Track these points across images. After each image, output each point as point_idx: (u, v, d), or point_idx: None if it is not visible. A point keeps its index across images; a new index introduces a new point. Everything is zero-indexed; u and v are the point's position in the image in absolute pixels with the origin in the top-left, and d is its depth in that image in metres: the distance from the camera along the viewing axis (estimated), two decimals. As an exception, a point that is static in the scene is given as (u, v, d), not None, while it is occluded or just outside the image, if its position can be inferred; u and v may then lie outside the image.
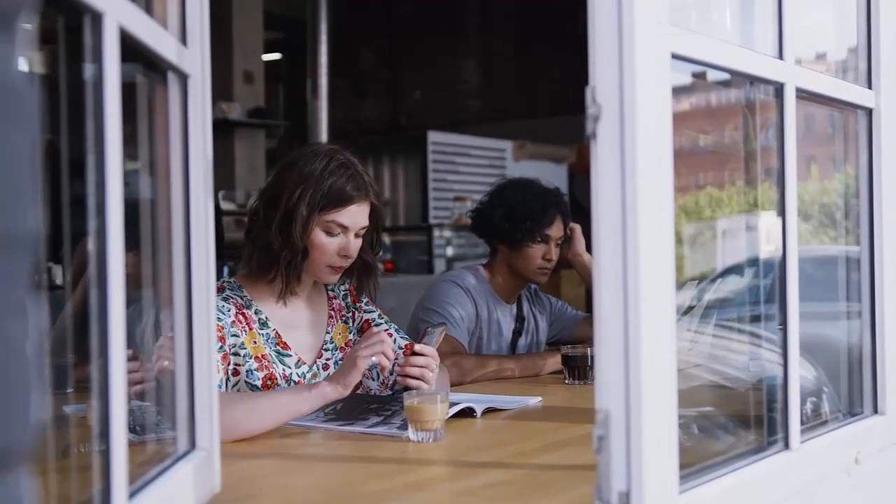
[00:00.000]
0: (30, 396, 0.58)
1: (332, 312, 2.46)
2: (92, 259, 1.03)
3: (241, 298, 2.29)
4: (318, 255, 2.28)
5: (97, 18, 1.02)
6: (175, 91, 1.38)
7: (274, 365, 2.27)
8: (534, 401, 2.43)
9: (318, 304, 2.45)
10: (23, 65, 0.60)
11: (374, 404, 2.20)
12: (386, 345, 2.08)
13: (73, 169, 1.07)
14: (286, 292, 2.31)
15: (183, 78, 1.38)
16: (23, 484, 0.59)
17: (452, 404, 2.10)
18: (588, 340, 3.04)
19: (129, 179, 1.13)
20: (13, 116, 0.57)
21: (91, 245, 1.04)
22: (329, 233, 2.27)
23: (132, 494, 1.12)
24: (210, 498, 1.44)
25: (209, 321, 1.44)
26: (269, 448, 1.93)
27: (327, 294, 2.48)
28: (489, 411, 2.25)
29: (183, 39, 1.38)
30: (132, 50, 1.14)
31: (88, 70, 1.03)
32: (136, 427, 1.36)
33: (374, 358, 2.05)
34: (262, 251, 2.28)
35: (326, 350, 2.41)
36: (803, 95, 1.63)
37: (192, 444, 1.41)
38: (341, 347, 2.43)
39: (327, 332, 2.43)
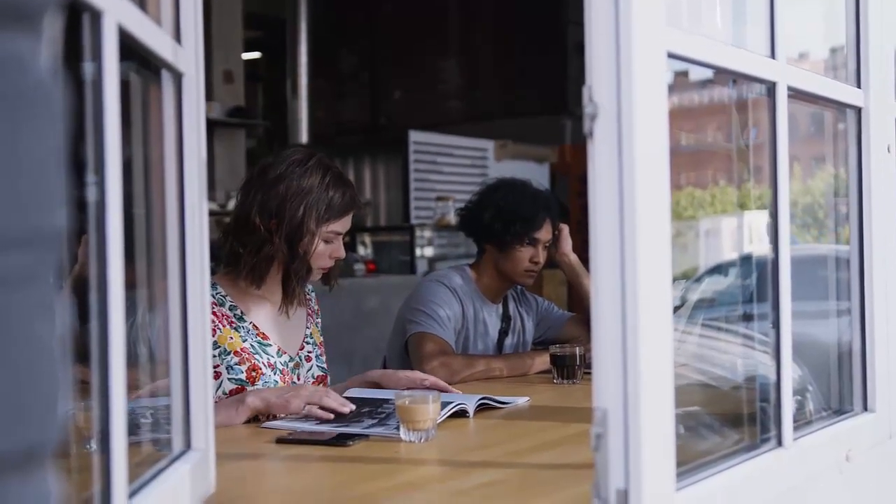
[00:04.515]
0: (57, 395, 0.58)
1: (310, 311, 2.56)
2: (91, 260, 1.02)
3: (214, 296, 2.33)
4: (314, 263, 2.38)
5: (96, 16, 1.01)
6: (169, 90, 1.37)
7: (256, 355, 2.33)
8: (522, 400, 2.43)
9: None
10: (49, 62, 0.59)
11: (365, 407, 2.20)
12: (324, 400, 2.13)
13: (71, 168, 1.06)
14: (290, 302, 2.42)
15: (178, 77, 1.37)
16: (50, 480, 0.59)
17: (445, 404, 2.10)
18: (574, 340, 3.05)
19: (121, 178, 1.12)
20: (41, 114, 0.57)
21: (89, 245, 1.04)
22: (327, 241, 2.38)
23: (131, 495, 1.11)
24: (205, 498, 1.43)
25: (204, 321, 1.43)
26: (263, 449, 1.92)
27: (304, 293, 2.57)
28: (482, 409, 2.27)
29: (177, 38, 1.37)
30: (128, 48, 1.14)
31: (87, 68, 1.02)
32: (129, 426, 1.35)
33: (306, 409, 2.12)
34: (264, 262, 2.34)
35: (308, 343, 2.50)
36: (794, 94, 1.64)
37: (188, 445, 1.40)
38: (319, 343, 2.54)
39: (307, 328, 2.52)
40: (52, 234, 0.59)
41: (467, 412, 2.20)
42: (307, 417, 2.12)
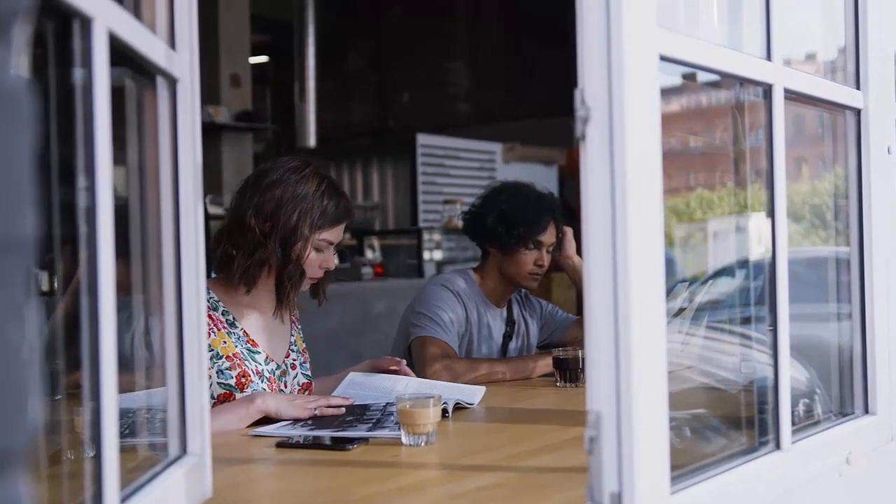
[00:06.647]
0: (27, 399, 0.58)
1: (294, 319, 2.59)
2: (82, 265, 1.03)
3: (208, 301, 2.33)
4: (305, 270, 2.40)
5: (86, 23, 1.02)
6: (164, 95, 1.38)
7: (246, 362, 2.36)
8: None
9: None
10: (19, 69, 0.60)
11: (349, 416, 2.21)
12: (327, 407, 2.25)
13: (61, 174, 1.06)
14: (284, 308, 2.45)
15: (172, 82, 1.38)
16: (20, 485, 0.60)
17: None
18: (579, 343, 3.04)
19: (117, 184, 1.13)
20: (10, 120, 0.58)
21: (80, 251, 1.04)
22: (318, 250, 2.40)
23: (123, 499, 1.11)
24: (201, 503, 1.44)
25: (200, 326, 1.43)
26: (260, 454, 1.93)
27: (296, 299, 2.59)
28: (458, 409, 2.32)
29: (172, 44, 1.38)
30: (120, 54, 1.14)
31: (77, 74, 1.03)
32: (124, 431, 1.35)
33: (318, 411, 2.22)
34: (257, 265, 2.36)
35: (293, 351, 2.53)
36: (791, 96, 1.63)
37: (184, 450, 1.40)
38: (303, 350, 2.57)
39: (291, 335, 2.55)
40: (23, 239, 0.59)
41: (447, 413, 2.23)
42: (294, 424, 2.14)
